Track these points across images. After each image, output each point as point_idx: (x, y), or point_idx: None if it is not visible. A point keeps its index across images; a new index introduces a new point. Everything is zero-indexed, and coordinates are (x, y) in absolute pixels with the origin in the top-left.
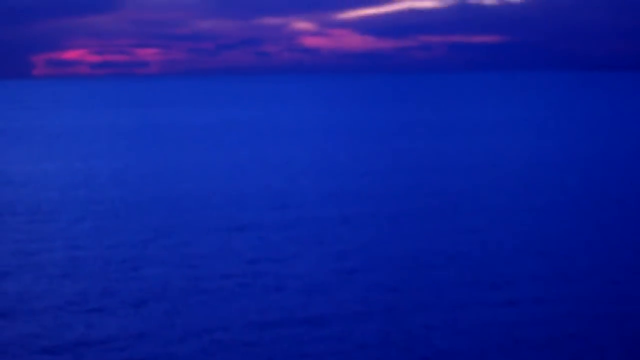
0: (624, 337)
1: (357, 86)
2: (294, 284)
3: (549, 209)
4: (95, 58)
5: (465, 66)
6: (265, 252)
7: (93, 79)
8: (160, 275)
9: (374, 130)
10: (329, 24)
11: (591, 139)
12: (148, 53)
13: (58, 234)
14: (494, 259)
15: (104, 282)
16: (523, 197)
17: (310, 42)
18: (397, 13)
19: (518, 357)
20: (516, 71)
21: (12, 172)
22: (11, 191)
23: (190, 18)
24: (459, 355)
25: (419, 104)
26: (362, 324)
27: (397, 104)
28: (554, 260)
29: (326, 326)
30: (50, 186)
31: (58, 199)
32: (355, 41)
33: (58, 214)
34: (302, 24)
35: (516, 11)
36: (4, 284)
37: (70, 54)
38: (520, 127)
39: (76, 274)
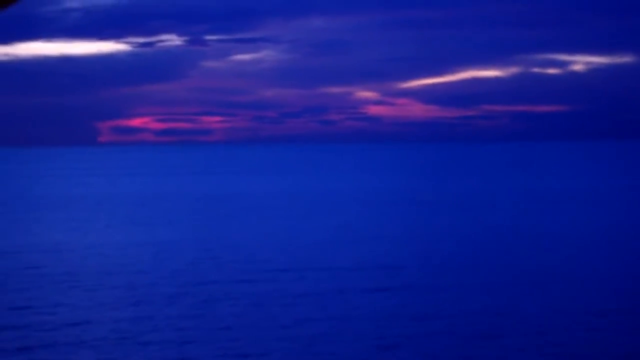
0: None
1: (421, 155)
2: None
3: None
4: (159, 125)
5: (529, 135)
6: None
7: (158, 145)
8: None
9: (442, 201)
10: (392, 93)
11: None
12: (212, 121)
13: (141, 303)
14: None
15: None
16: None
17: (374, 110)
18: (460, 82)
19: None
20: (580, 140)
21: (81, 240)
22: (75, 258)
23: (254, 86)
24: None
25: (485, 173)
26: None
27: (463, 174)
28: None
29: None
30: (124, 254)
31: (134, 267)
32: (419, 110)
33: (151, 282)
34: (365, 93)
35: (580, 80)
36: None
37: (136, 122)
38: (593, 198)
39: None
